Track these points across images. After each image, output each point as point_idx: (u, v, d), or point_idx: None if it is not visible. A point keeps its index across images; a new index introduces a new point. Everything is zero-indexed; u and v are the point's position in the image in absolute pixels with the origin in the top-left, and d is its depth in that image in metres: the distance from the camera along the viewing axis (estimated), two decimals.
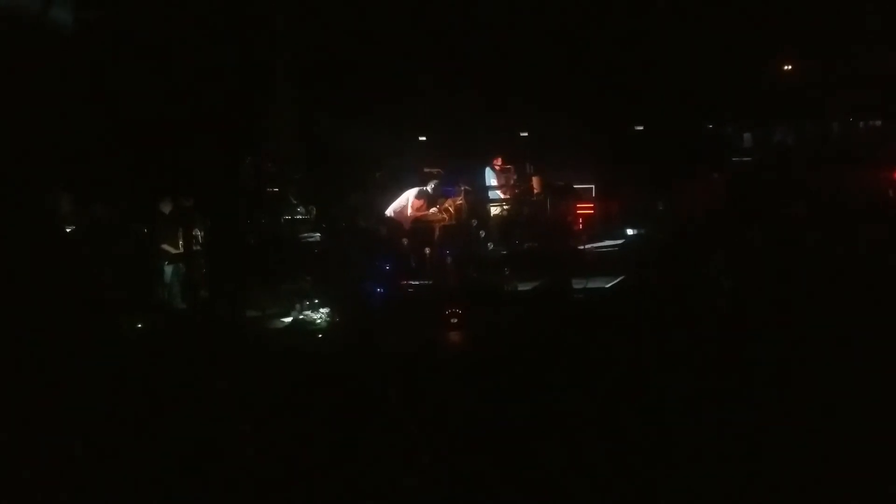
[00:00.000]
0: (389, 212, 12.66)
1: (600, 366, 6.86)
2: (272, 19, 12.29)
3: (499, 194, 14.12)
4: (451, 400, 6.44)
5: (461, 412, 6.09)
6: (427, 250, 12.48)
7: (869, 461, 4.81)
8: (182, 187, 10.92)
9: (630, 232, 14.53)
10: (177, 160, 10.34)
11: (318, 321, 9.75)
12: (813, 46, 15.89)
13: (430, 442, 5.53)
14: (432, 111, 15.03)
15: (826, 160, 15.69)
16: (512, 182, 14.24)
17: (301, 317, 9.88)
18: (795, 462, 4.90)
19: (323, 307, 9.93)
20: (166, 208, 11.04)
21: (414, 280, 11.58)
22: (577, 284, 10.25)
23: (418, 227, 12.55)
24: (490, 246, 13.27)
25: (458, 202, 12.83)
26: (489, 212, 13.87)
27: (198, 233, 10.97)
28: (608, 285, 10.65)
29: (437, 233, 12.55)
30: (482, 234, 13.36)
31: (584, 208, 14.77)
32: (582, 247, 13.35)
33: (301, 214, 12.45)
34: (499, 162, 14.26)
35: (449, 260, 12.18)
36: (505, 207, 13.96)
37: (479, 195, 13.78)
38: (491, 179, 14.23)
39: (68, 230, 10.20)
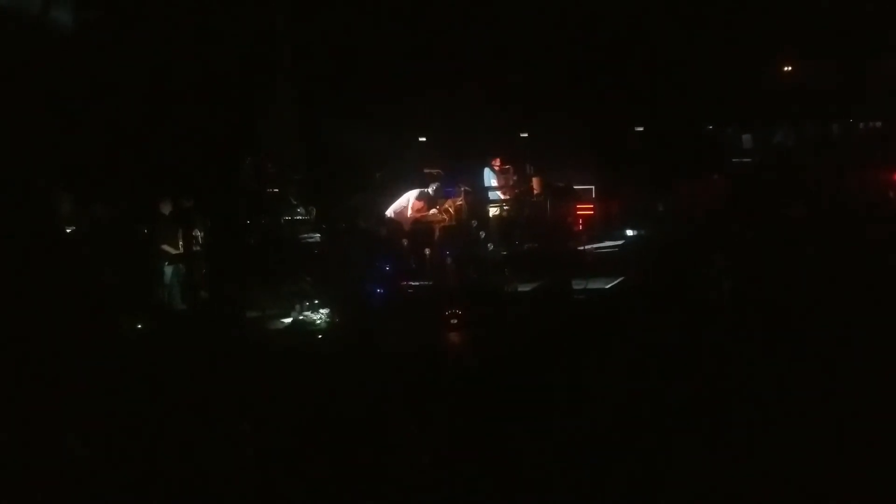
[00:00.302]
0: (389, 212, 12.65)
1: (600, 366, 6.85)
2: (272, 20, 12.29)
3: (499, 195, 14.10)
4: (450, 400, 6.44)
5: (461, 412, 6.09)
6: (427, 251, 12.47)
7: (869, 461, 4.81)
8: (182, 188, 10.92)
9: (630, 233, 14.54)
10: (177, 161, 10.33)
11: (318, 322, 9.74)
12: (813, 47, 15.89)
13: (430, 442, 5.54)
14: (432, 112, 15.00)
15: (826, 161, 15.70)
16: (512, 183, 14.23)
17: (301, 317, 9.87)
18: (795, 462, 4.90)
19: (323, 308, 9.92)
20: (166, 209, 11.03)
21: (414, 281, 11.57)
22: (577, 285, 10.25)
23: (418, 227, 12.54)
24: (490, 247, 13.25)
25: (458, 203, 12.82)
26: (489, 212, 13.86)
27: (198, 233, 10.96)
28: (608, 286, 10.65)
29: (437, 233, 12.54)
30: (482, 234, 13.34)
31: (584, 209, 14.75)
32: (582, 247, 13.33)
33: (301, 215, 12.45)
34: (498, 163, 14.25)
35: (449, 261, 12.17)
36: (505, 208, 13.94)
37: (480, 196, 13.77)
38: (491, 180, 14.21)
39: (68, 230, 10.20)
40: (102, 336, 7.94)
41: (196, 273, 10.89)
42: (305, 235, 11.97)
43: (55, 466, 5.10)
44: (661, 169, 15.34)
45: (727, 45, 15.24)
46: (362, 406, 6.23)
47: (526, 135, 16.89)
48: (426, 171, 13.29)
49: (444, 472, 5.14)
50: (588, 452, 5.21)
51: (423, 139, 16.38)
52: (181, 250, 10.88)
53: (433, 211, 12.64)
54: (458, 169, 13.71)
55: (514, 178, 14.28)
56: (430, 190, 12.66)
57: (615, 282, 10.80)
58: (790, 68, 17.23)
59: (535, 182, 13.80)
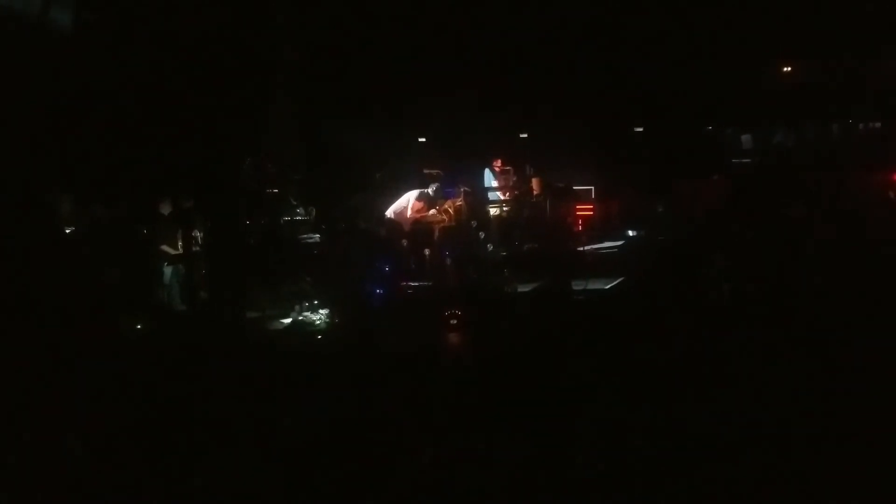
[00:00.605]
0: (389, 213, 12.65)
1: (600, 367, 6.85)
2: (273, 19, 12.28)
3: (499, 195, 14.11)
4: (450, 400, 6.44)
5: (461, 413, 6.09)
6: (427, 251, 12.47)
7: (869, 461, 4.81)
8: (182, 188, 10.91)
9: (630, 233, 14.54)
10: (176, 161, 10.33)
11: (318, 322, 9.74)
12: (813, 47, 15.89)
13: (429, 443, 5.54)
14: (432, 112, 15.01)
15: (826, 162, 15.70)
16: (511, 183, 14.24)
17: (301, 318, 9.87)
18: (795, 462, 4.90)
19: (323, 308, 9.92)
20: (166, 209, 11.03)
21: (414, 281, 11.57)
22: (577, 285, 10.25)
23: (418, 228, 12.54)
24: (490, 247, 13.25)
25: (458, 203, 12.82)
26: (489, 213, 13.86)
27: (197, 234, 10.96)
28: (608, 286, 10.65)
29: (436, 234, 12.54)
30: (482, 235, 13.34)
31: (584, 209, 14.76)
32: (581, 248, 13.33)
33: (301, 215, 12.44)
34: (499, 163, 14.27)
35: (448, 261, 12.16)
36: (505, 209, 13.95)
37: (479, 196, 13.77)
38: (491, 181, 14.23)
39: (68, 230, 10.19)
40: (102, 336, 7.93)
41: (196, 273, 10.89)
42: (305, 235, 11.97)
43: (55, 466, 5.10)
44: (661, 169, 15.35)
45: (727, 45, 15.24)
46: (362, 406, 6.23)
47: (526, 135, 16.90)
48: (426, 171, 13.30)
49: (443, 473, 5.14)
50: (587, 452, 5.21)
51: (423, 139, 16.39)
52: (181, 251, 10.88)
53: (433, 211, 12.64)
54: (457, 169, 13.72)
55: (514, 178, 14.29)
56: (429, 190, 12.66)
57: (615, 282, 10.79)
58: (790, 68, 17.23)
59: (534, 182, 13.80)
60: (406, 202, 12.59)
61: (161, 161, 10.20)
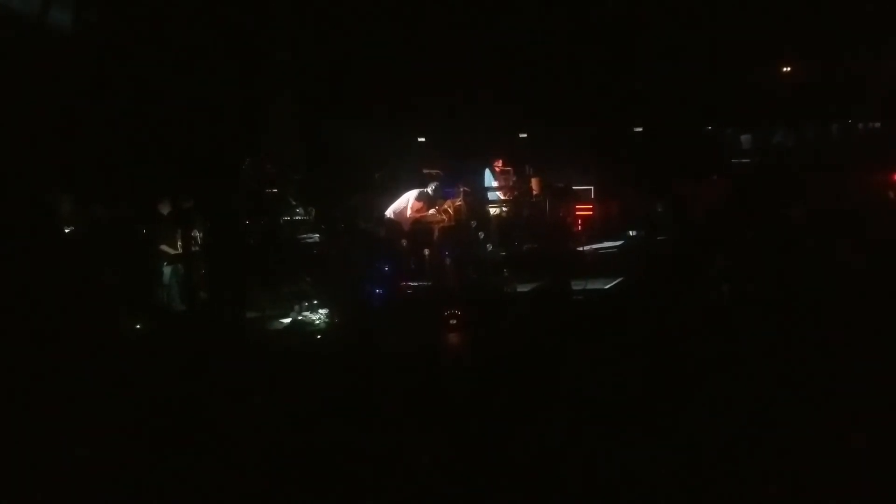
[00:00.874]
0: (389, 213, 12.64)
1: (599, 367, 6.85)
2: (272, 20, 12.29)
3: (498, 195, 14.11)
4: (450, 400, 6.44)
5: (460, 413, 6.09)
6: (426, 251, 12.46)
7: (869, 461, 4.81)
8: (181, 188, 10.91)
9: (630, 233, 14.55)
10: (176, 161, 10.33)
11: (318, 322, 9.74)
12: (813, 47, 15.89)
13: (429, 443, 5.54)
14: (432, 112, 15.01)
15: (826, 162, 15.71)
16: (511, 183, 14.24)
17: (300, 318, 9.87)
18: (795, 462, 4.90)
19: (323, 308, 9.92)
20: (165, 209, 11.03)
21: (413, 281, 11.57)
22: (577, 285, 10.25)
23: (418, 228, 12.53)
24: (489, 247, 13.26)
25: (458, 203, 12.82)
26: (489, 213, 13.86)
27: (197, 234, 10.96)
28: (607, 286, 10.65)
29: (436, 234, 12.54)
30: (481, 235, 13.34)
31: (584, 209, 14.77)
32: (581, 248, 13.34)
33: (300, 215, 12.44)
34: (498, 163, 14.27)
35: (448, 261, 12.16)
36: (504, 209, 13.96)
37: (479, 196, 13.78)
38: (490, 181, 14.23)
39: (68, 231, 10.19)
40: (101, 336, 7.94)
41: (195, 273, 10.89)
42: (305, 235, 11.97)
43: (55, 466, 5.10)
44: (661, 169, 15.35)
45: (727, 45, 15.24)
46: (362, 406, 6.23)
47: (526, 135, 16.91)
48: (426, 171, 13.29)
49: (443, 473, 5.14)
50: (587, 452, 5.22)
51: (423, 139, 16.39)
52: (180, 251, 10.88)
53: (432, 211, 12.63)
54: (457, 169, 13.72)
55: (514, 178, 14.29)
56: (429, 190, 12.65)
57: (615, 282, 10.80)
58: (790, 68, 17.23)
59: (534, 183, 13.82)
60: (406, 202, 12.59)
61: (161, 161, 10.21)
